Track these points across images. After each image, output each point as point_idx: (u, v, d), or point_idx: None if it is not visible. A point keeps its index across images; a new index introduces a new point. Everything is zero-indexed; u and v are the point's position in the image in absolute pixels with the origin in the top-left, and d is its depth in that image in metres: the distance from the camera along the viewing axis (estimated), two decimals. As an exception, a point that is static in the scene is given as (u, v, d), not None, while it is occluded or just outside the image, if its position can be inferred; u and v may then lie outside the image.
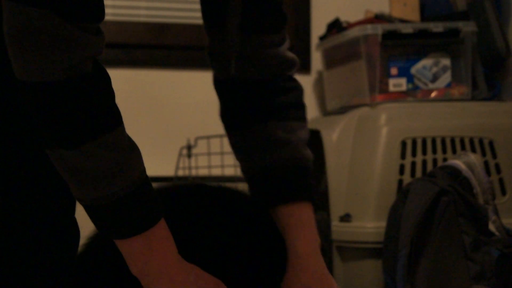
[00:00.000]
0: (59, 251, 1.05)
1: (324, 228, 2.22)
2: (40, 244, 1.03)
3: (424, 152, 2.12)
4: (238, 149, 1.20)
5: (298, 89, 1.19)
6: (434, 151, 2.13)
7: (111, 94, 0.96)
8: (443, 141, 2.14)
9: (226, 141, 2.76)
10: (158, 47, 2.65)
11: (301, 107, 1.19)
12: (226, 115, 1.20)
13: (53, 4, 0.89)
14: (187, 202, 1.14)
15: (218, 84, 1.20)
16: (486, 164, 2.13)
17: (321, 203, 2.47)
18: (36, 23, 0.89)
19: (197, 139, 2.44)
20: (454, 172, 1.95)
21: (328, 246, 2.20)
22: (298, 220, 1.14)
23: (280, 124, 1.16)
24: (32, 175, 1.03)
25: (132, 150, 0.97)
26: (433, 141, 2.13)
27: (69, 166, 0.93)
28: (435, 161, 2.12)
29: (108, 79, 0.96)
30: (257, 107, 1.17)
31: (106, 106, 0.95)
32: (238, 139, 1.19)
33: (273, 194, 1.15)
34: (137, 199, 0.96)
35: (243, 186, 1.21)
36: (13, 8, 0.89)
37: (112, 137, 0.94)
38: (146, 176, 0.98)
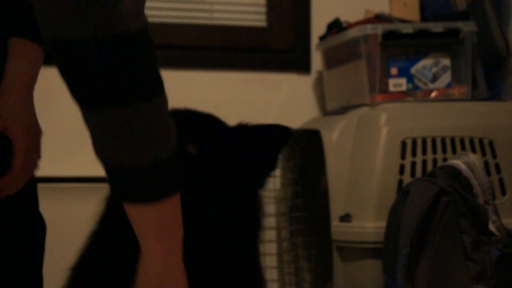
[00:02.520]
0: (25, 244, 1.06)
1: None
2: (5, 237, 1.03)
3: (424, 152, 2.12)
4: None
5: None
6: (434, 151, 2.13)
7: None
8: (443, 141, 2.14)
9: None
10: (158, 47, 2.64)
11: None
12: None
13: None
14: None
15: None
16: (486, 164, 2.12)
17: (321, 203, 2.47)
18: None
19: (197, 139, 2.44)
20: (454, 172, 1.95)
21: (328, 246, 2.20)
22: None
23: None
24: None
25: None
26: (433, 141, 2.13)
27: (136, 123, 0.93)
28: (435, 161, 2.12)
29: None
30: None
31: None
32: None
33: None
34: (176, 160, 0.97)
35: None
36: None
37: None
38: None
